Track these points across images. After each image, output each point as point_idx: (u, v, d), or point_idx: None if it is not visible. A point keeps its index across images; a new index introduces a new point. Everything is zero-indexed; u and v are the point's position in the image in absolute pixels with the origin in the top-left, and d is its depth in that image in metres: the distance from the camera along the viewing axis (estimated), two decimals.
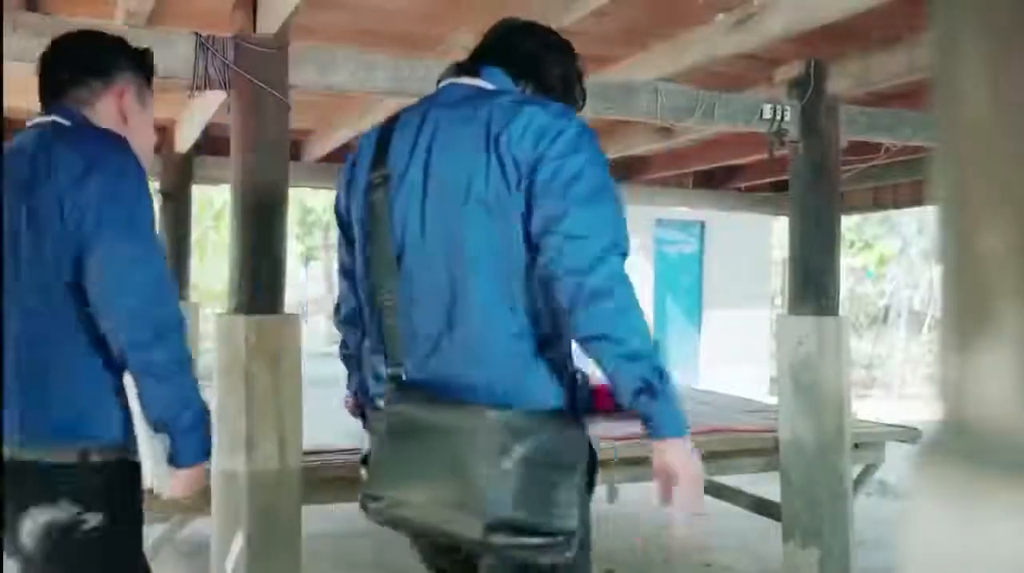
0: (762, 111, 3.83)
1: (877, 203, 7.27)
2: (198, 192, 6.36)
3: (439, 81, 1.93)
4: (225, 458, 2.99)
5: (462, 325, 1.69)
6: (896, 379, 14.45)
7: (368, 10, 3.50)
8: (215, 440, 3.03)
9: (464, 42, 3.62)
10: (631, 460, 3.72)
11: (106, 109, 1.98)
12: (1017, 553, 0.44)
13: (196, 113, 4.72)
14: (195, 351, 6.00)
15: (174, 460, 1.81)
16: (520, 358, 1.69)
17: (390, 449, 1.71)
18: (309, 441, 3.25)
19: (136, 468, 1.83)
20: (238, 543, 2.97)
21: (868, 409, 9.04)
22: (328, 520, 5.28)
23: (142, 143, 1.99)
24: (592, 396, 1.78)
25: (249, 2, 3.00)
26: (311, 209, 15.04)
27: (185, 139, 5.39)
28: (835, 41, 3.71)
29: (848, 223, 11.51)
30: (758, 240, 12.29)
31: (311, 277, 22.68)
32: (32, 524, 1.79)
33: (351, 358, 2.01)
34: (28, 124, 2.00)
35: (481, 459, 1.59)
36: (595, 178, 1.64)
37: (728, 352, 11.39)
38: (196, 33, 2.99)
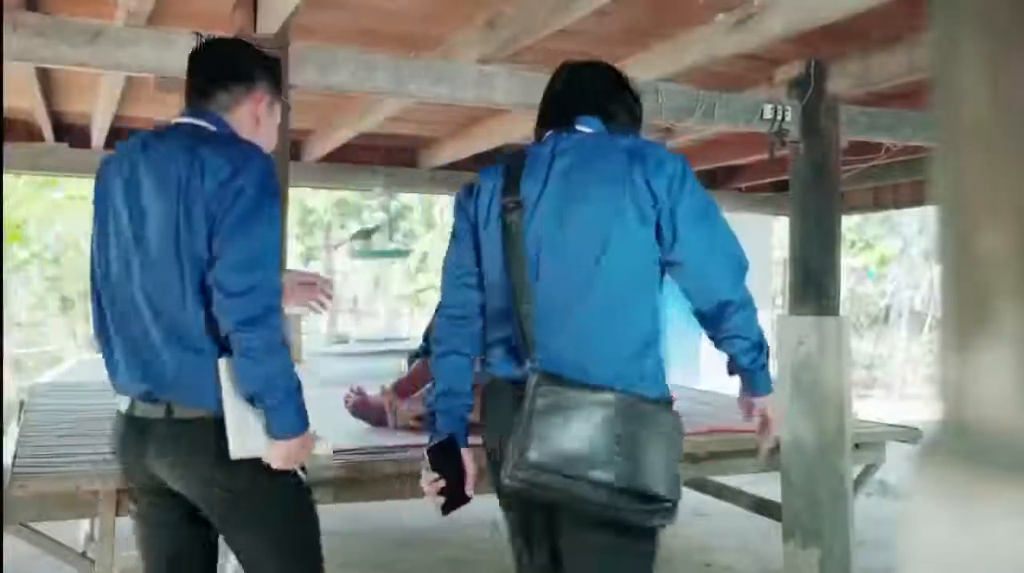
0: (763, 111, 3.83)
1: (878, 203, 7.27)
2: None
3: (538, 136, 2.28)
4: None
5: (591, 326, 2.06)
6: (897, 379, 14.44)
7: (368, 10, 3.51)
8: None
9: (464, 42, 3.63)
10: None
11: (244, 114, 2.21)
12: (1017, 553, 0.44)
13: None
14: None
15: (270, 431, 2.01)
16: (642, 353, 2.08)
17: (536, 425, 1.99)
18: None
19: None
20: None
21: (869, 409, 9.04)
22: (326, 520, 5.28)
23: (269, 144, 2.26)
24: None
25: (249, 2, 3.01)
26: (312, 209, 15.08)
27: None
28: (835, 41, 3.71)
29: (849, 223, 11.52)
30: (758, 240, 12.24)
31: None
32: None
33: (450, 353, 2.26)
34: (173, 122, 2.23)
35: (612, 436, 1.97)
36: (712, 207, 2.14)
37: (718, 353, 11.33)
38: (196, 33, 2.98)
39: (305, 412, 2.09)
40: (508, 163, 2.25)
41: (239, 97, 2.20)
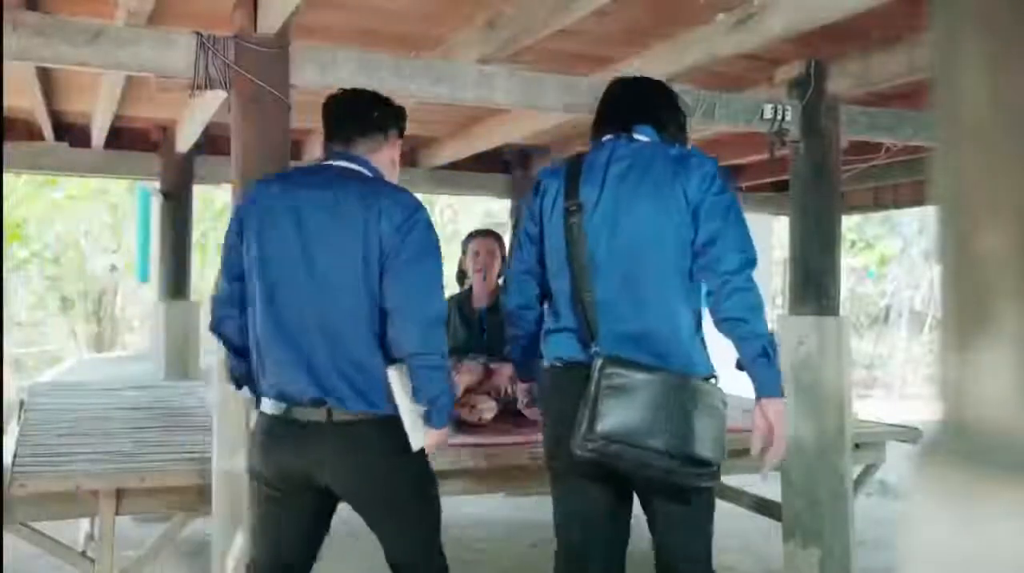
0: (763, 111, 3.83)
1: (878, 203, 7.27)
2: (198, 192, 6.35)
3: (599, 138, 2.60)
4: (226, 458, 2.99)
5: (646, 314, 2.41)
6: (897, 379, 14.44)
7: (369, 10, 3.51)
8: (216, 440, 3.04)
9: (464, 42, 3.63)
10: None
11: (384, 157, 2.60)
12: (1017, 553, 0.44)
13: (197, 113, 4.72)
14: (197, 351, 6.00)
15: (430, 423, 2.40)
16: (689, 337, 2.44)
17: (603, 402, 2.33)
18: None
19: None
20: (239, 542, 2.97)
21: (869, 409, 9.04)
22: None
23: (396, 180, 2.65)
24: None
25: (250, 2, 3.00)
26: None
27: (186, 139, 5.39)
28: (835, 41, 3.71)
29: (849, 223, 11.49)
30: (758, 240, 12.11)
31: None
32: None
33: (521, 336, 2.75)
34: (318, 163, 2.64)
35: (668, 410, 2.31)
36: (732, 208, 2.42)
37: (728, 352, 11.36)
38: (197, 33, 2.99)
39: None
40: (568, 167, 2.56)
41: (380, 143, 2.59)
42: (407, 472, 2.53)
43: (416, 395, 2.39)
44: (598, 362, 2.36)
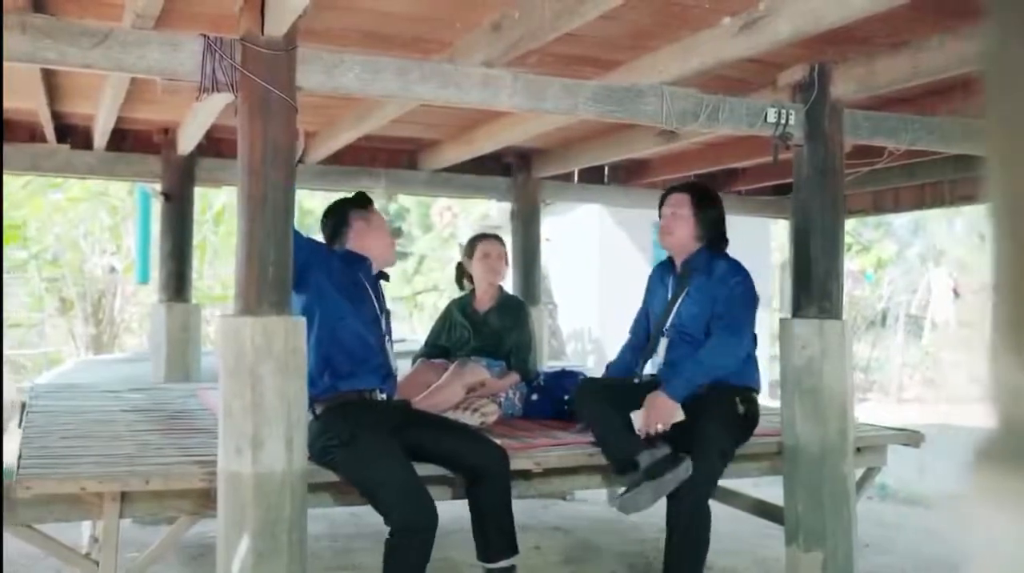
0: (767, 115, 3.83)
1: (877, 207, 7.28)
2: (197, 194, 6.33)
3: None
4: (231, 460, 2.99)
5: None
6: (894, 383, 14.45)
7: (375, 13, 3.51)
8: (221, 442, 3.04)
9: (470, 46, 3.63)
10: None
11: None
12: None
13: (199, 115, 4.72)
14: (197, 353, 5.99)
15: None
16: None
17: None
18: None
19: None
20: (244, 545, 2.96)
21: (866, 412, 9.04)
22: (324, 522, 5.28)
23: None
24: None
25: (257, 4, 2.99)
26: (309, 211, 15.02)
27: (188, 141, 5.39)
28: (839, 45, 3.72)
29: (845, 226, 11.47)
30: (757, 243, 12.28)
31: None
32: None
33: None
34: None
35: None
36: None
37: None
38: (204, 35, 2.99)
39: None
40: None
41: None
42: None
43: None
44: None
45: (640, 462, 3.56)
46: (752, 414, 3.87)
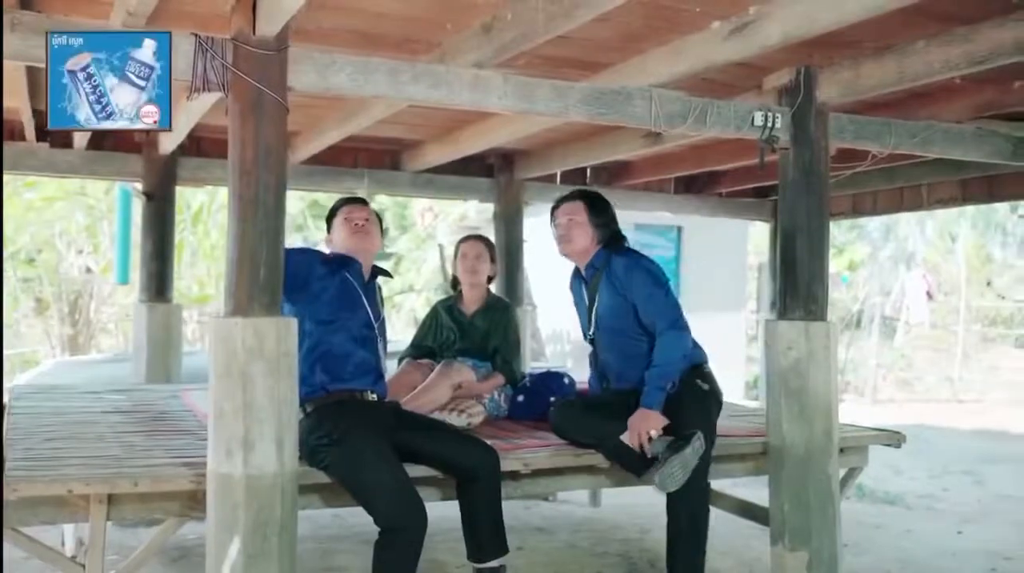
0: (754, 118, 3.86)
1: (856, 210, 7.35)
2: (177, 193, 6.27)
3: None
4: (222, 461, 2.97)
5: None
6: (869, 384, 14.59)
7: (367, 14, 3.50)
8: (211, 444, 3.02)
9: (460, 47, 3.63)
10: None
11: None
12: None
13: (183, 115, 4.69)
14: (178, 354, 5.95)
15: None
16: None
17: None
18: None
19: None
20: (235, 546, 2.94)
21: (843, 413, 9.11)
22: (316, 524, 5.26)
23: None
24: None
25: (248, 4, 2.97)
26: (286, 212, 14.96)
27: (170, 140, 5.35)
28: (825, 49, 3.75)
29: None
30: (735, 245, 12.37)
31: None
32: None
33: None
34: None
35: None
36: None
37: None
38: (195, 34, 2.97)
39: None
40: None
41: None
42: None
43: None
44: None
45: (655, 451, 3.64)
46: (713, 386, 3.96)
